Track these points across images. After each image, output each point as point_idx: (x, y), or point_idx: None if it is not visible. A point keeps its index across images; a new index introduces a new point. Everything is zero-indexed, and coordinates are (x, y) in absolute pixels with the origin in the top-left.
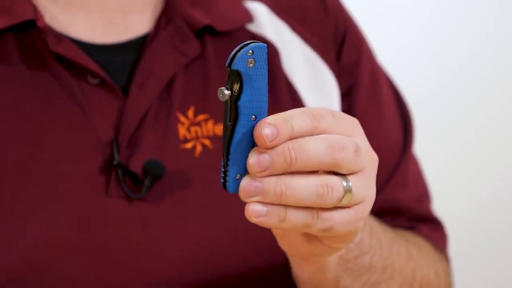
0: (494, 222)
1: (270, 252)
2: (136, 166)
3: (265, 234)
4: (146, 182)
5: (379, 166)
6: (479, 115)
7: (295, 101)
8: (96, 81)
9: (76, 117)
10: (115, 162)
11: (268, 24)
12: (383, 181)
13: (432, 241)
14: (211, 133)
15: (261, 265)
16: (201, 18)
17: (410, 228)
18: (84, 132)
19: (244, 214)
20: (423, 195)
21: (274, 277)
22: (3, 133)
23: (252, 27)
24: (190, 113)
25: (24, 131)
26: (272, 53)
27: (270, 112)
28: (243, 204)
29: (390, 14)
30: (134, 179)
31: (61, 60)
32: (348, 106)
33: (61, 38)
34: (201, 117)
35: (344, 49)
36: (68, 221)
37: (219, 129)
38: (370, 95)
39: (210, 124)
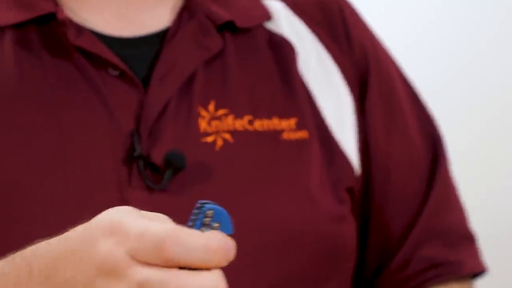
0: (495, 222)
1: (292, 242)
2: (157, 157)
3: (286, 226)
4: (167, 173)
5: (409, 185)
6: (480, 116)
7: (311, 103)
8: (116, 73)
9: (98, 107)
10: (136, 153)
11: (285, 22)
12: (419, 204)
13: (466, 270)
14: (231, 128)
15: (285, 256)
16: (223, 14)
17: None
18: (104, 123)
19: (264, 207)
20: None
21: (299, 266)
22: (27, 122)
23: (270, 25)
24: (211, 107)
25: (47, 120)
26: (289, 52)
27: (287, 111)
28: (264, 198)
29: (393, 14)
30: (155, 170)
31: (82, 51)
32: (364, 122)
33: (82, 30)
34: (221, 111)
35: (357, 54)
36: (89, 212)
37: (239, 124)
38: (386, 107)
39: (230, 118)
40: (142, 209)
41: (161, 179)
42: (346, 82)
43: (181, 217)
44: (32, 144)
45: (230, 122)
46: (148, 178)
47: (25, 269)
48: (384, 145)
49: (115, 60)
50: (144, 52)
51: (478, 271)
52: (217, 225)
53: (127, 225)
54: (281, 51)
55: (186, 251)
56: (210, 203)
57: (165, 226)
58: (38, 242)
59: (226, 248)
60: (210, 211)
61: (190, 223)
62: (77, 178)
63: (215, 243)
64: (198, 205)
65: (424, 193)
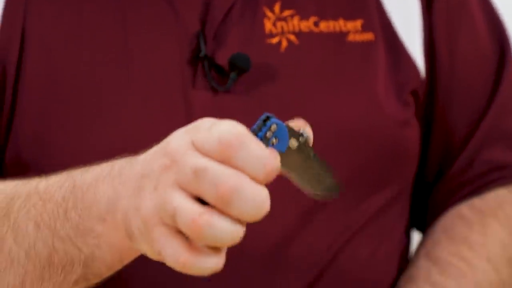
0: None
1: (355, 144)
2: (222, 58)
3: (350, 127)
4: (232, 75)
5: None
6: None
7: (377, 4)
8: None
9: (164, 8)
10: (201, 54)
11: None
12: (485, 101)
13: None
14: (296, 29)
15: (347, 158)
16: None
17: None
18: (170, 23)
19: (328, 109)
20: None
21: (361, 168)
22: (93, 21)
23: None
24: (277, 7)
25: (113, 20)
26: None
27: (353, 13)
28: (328, 100)
29: None
30: (220, 72)
31: None
32: (430, 21)
33: None
34: (287, 12)
35: None
36: (154, 111)
37: (304, 25)
38: (453, 5)
39: (296, 20)
40: (206, 110)
41: (226, 80)
42: None
43: (244, 118)
44: (97, 42)
45: (296, 23)
46: (213, 79)
47: (108, 168)
48: (450, 43)
49: None
50: None
51: None
52: (275, 140)
53: (201, 122)
54: None
55: (247, 157)
56: (275, 118)
57: (236, 127)
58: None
59: (275, 172)
60: (274, 126)
61: (252, 132)
62: (141, 76)
63: (273, 163)
64: (263, 117)
65: (490, 93)
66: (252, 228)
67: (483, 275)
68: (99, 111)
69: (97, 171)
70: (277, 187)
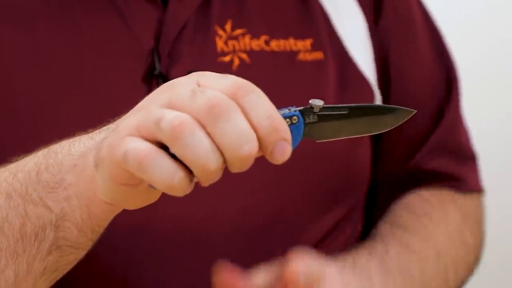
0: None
1: (304, 164)
2: (176, 76)
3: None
4: None
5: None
6: (480, 117)
7: (327, 24)
8: None
9: (118, 26)
10: (156, 72)
11: None
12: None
13: (469, 186)
14: (248, 48)
15: (295, 178)
16: None
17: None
18: (125, 40)
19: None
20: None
21: (311, 187)
22: (47, 41)
23: None
24: (228, 26)
25: (67, 40)
26: None
27: (303, 32)
28: None
29: None
30: None
31: None
32: (380, 44)
33: None
34: (238, 31)
35: None
36: None
37: (255, 44)
38: (403, 38)
39: (247, 38)
40: None
41: None
42: (359, 3)
43: None
44: (51, 64)
45: (247, 41)
46: None
47: (86, 135)
48: (402, 67)
49: None
50: None
51: (476, 189)
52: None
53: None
54: None
55: (256, 101)
56: (300, 115)
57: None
58: None
59: (278, 134)
60: (295, 118)
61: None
62: (95, 97)
63: (279, 121)
64: (292, 107)
65: (436, 117)
66: (210, 245)
67: (442, 244)
68: (53, 130)
69: (74, 138)
70: (228, 207)
